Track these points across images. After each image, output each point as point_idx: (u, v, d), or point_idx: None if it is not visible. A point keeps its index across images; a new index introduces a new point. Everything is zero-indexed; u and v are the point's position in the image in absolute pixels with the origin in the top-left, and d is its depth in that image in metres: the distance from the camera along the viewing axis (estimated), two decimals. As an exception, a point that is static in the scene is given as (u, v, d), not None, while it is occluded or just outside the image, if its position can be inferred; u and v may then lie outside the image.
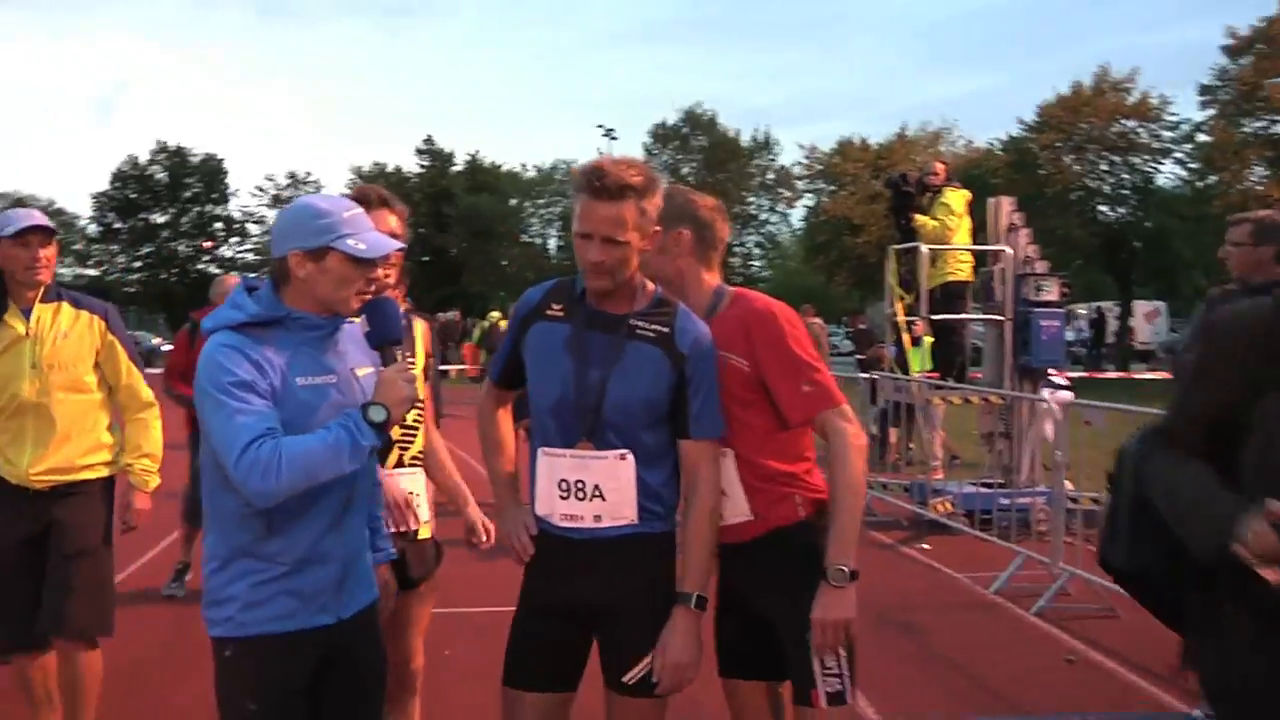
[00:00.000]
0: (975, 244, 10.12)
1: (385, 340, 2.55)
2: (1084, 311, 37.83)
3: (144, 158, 58.61)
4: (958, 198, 9.86)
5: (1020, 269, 9.32)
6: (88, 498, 3.92)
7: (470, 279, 53.73)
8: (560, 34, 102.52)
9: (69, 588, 3.80)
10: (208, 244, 58.54)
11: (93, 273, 59.20)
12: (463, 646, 5.48)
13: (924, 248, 9.47)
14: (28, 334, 3.81)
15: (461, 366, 28.51)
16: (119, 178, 58.22)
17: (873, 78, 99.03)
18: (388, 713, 3.01)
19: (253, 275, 2.88)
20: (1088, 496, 7.68)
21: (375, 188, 3.28)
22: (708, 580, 2.71)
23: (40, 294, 3.85)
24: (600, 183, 2.57)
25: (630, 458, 2.65)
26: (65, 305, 3.92)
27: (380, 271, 2.58)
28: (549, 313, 2.76)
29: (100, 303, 4.07)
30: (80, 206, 60.62)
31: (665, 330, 2.70)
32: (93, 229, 59.43)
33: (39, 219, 3.80)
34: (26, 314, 3.82)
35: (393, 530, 3.09)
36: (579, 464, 2.67)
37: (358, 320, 2.62)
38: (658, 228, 2.69)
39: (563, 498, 2.68)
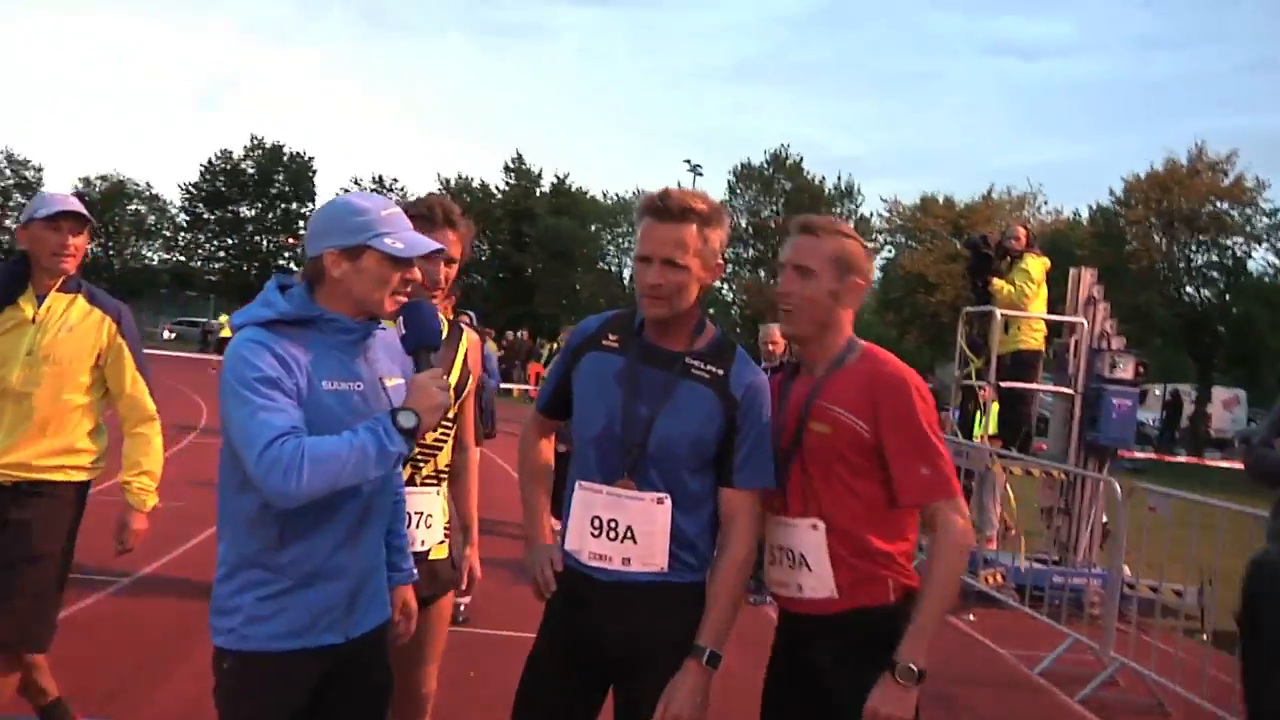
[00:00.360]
0: (1051, 314, 9.91)
1: (420, 344, 2.47)
2: (1159, 392, 36.93)
3: (239, 152, 60.17)
4: (1037, 265, 9.67)
5: (1096, 343, 9.10)
6: (53, 500, 3.69)
7: (543, 300, 54.10)
8: (656, 65, 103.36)
9: (3, 594, 3.56)
10: (291, 240, 59.75)
11: (179, 259, 60.76)
12: (487, 669, 5.43)
13: (998, 312, 9.29)
14: (34, 320, 3.65)
15: (526, 386, 28.65)
16: (209, 170, 59.76)
17: (963, 137, 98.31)
18: None
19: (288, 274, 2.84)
20: (1145, 584, 7.44)
21: (443, 202, 3.20)
22: (726, 637, 2.61)
23: (60, 282, 3.71)
24: (663, 204, 2.54)
25: (668, 502, 2.58)
26: (80, 299, 3.76)
27: (418, 273, 2.51)
28: (604, 343, 2.70)
29: (116, 303, 3.89)
30: (175, 196, 62.16)
31: (720, 373, 2.63)
32: (182, 218, 61.02)
33: (74, 205, 3.66)
34: (41, 299, 3.67)
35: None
36: (614, 502, 2.60)
37: (393, 326, 2.57)
38: (720, 261, 2.64)
39: (594, 535, 2.61)
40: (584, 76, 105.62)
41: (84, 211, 3.67)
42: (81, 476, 3.79)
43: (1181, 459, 24.79)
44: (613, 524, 2.60)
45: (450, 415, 3.26)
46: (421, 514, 3.15)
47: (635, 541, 2.58)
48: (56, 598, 3.77)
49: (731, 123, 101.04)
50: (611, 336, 2.70)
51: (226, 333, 36.95)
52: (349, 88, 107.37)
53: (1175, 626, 6.69)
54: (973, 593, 8.49)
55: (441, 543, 3.26)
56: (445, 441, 3.25)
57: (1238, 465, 21.00)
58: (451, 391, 3.27)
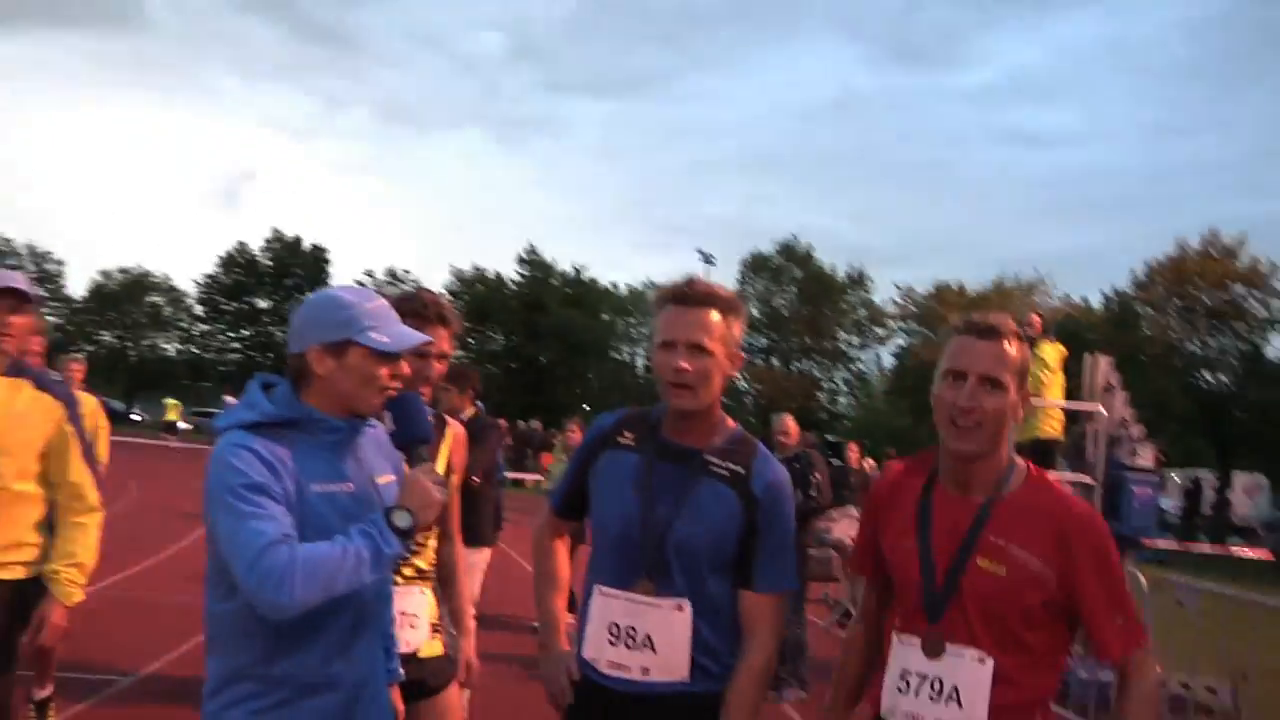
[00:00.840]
0: (1068, 400, 9.81)
1: (412, 439, 2.40)
2: (1178, 479, 36.49)
3: (257, 245, 61.03)
4: (1053, 352, 9.61)
5: (1115, 430, 8.99)
6: None
7: (556, 389, 54.19)
8: (670, 159, 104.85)
9: None
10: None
11: (193, 350, 61.20)
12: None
13: (1015, 400, 9.20)
14: None
15: (539, 477, 28.49)
16: (227, 262, 60.53)
17: (974, 226, 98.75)
18: None
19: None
20: (1177, 680, 7.19)
21: (432, 296, 3.17)
22: None
23: (2, 365, 3.43)
24: (689, 289, 2.50)
25: (688, 609, 2.47)
26: (27, 385, 3.49)
27: (407, 367, 2.42)
28: (620, 440, 2.62)
29: (64, 388, 3.65)
30: (194, 287, 63.09)
31: (741, 471, 2.53)
32: (199, 309, 61.63)
33: (16, 281, 3.39)
34: None
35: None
36: (633, 609, 2.49)
37: (381, 425, 2.49)
38: (740, 352, 2.57)
39: (611, 643, 2.51)
40: (598, 169, 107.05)
41: (23, 288, 3.39)
42: (21, 574, 3.51)
43: (1205, 548, 24.36)
44: (631, 631, 2.49)
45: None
46: (405, 614, 3.04)
47: (655, 650, 2.47)
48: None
49: (743, 214, 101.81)
50: (628, 434, 2.62)
51: (173, 415, 37.34)
52: (366, 181, 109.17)
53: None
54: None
55: (432, 640, 3.16)
56: (428, 539, 3.16)
57: (1265, 553, 20.62)
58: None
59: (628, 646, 2.48)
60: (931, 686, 2.35)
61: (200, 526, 12.52)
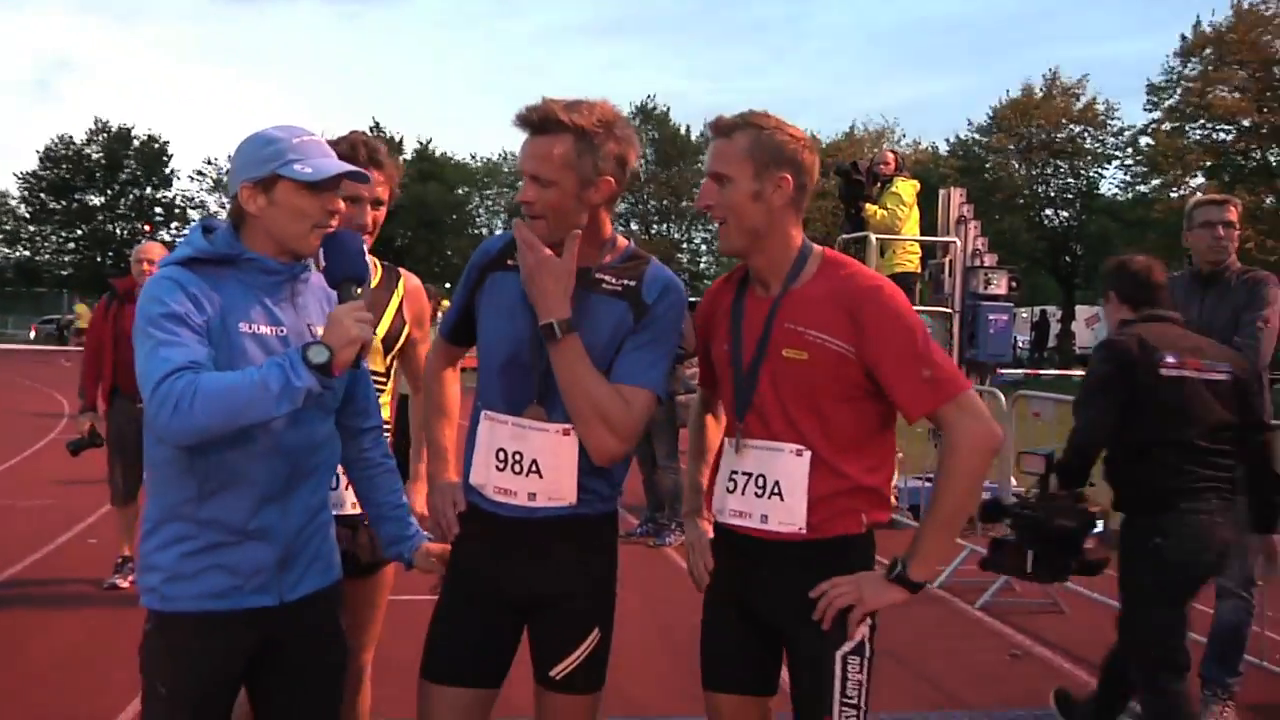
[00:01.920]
0: (923, 235, 10.01)
1: (344, 276, 2.28)
2: (1026, 315, 38.22)
3: (80, 137, 57.30)
4: (908, 188, 9.73)
5: (969, 262, 9.23)
6: None
7: (416, 268, 53.03)
8: (512, 25, 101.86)
9: None
10: (148, 227, 57.30)
11: (23, 254, 57.76)
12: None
13: (873, 238, 9.33)
14: None
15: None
16: (49, 157, 56.77)
17: (824, 81, 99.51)
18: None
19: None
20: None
21: (366, 139, 2.99)
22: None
23: None
24: (530, 115, 2.33)
25: (574, 434, 2.38)
26: None
27: (340, 203, 2.30)
28: (509, 263, 2.47)
29: None
30: (12, 185, 59.02)
31: (633, 283, 2.42)
32: (23, 209, 57.90)
33: None
34: None
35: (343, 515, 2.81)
36: (519, 434, 2.41)
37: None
38: (610, 178, 2.37)
39: (499, 469, 2.43)
40: (440, 40, 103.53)
41: None
42: None
43: (1054, 371, 25.69)
44: (517, 456, 2.41)
45: (383, 367, 3.06)
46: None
47: (541, 475, 2.40)
48: None
49: (596, 79, 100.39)
50: (515, 258, 2.47)
51: (83, 323, 35.26)
52: (198, 66, 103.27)
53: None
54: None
55: None
56: (379, 397, 2.97)
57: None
58: (380, 340, 3.02)
59: (514, 472, 2.42)
60: (755, 483, 2.42)
61: (50, 431, 12.07)
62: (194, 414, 2.03)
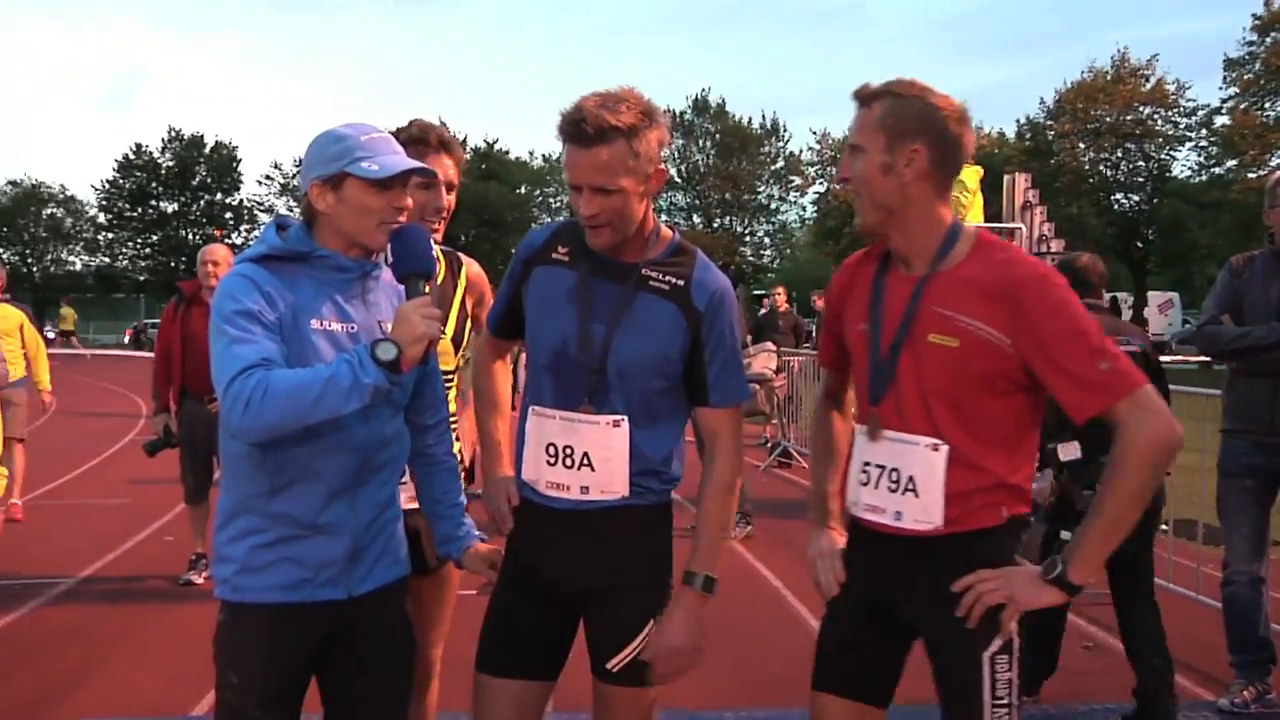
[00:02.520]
0: (989, 222, 9.86)
1: (409, 271, 2.28)
2: (1097, 301, 37.43)
3: (155, 145, 58.61)
4: (971, 174, 9.59)
5: (1035, 247, 9.08)
6: None
7: (480, 267, 53.40)
8: (570, 23, 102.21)
9: None
10: (219, 232, 58.42)
11: (103, 260, 59.26)
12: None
13: (937, 226, 9.22)
14: None
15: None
16: (125, 166, 58.12)
17: (888, 70, 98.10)
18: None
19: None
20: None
21: (434, 126, 2.99)
22: (718, 561, 2.44)
23: None
24: (579, 127, 2.27)
25: (625, 425, 2.38)
26: None
27: (409, 199, 2.32)
28: (554, 256, 2.47)
29: None
30: (91, 195, 60.59)
31: (680, 283, 2.41)
32: (102, 218, 59.38)
33: None
34: None
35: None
36: (568, 428, 2.41)
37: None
38: (661, 167, 2.36)
39: (550, 463, 2.43)
40: (499, 38, 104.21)
41: None
42: None
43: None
44: (568, 451, 2.41)
45: (453, 365, 3.04)
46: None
47: (593, 468, 2.40)
48: None
49: (653, 73, 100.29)
50: (561, 249, 2.47)
51: (67, 325, 34.46)
52: (264, 70, 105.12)
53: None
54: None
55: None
56: (452, 385, 2.99)
57: (1177, 360, 21.21)
58: (449, 339, 2.97)
59: (565, 466, 2.42)
60: (889, 477, 2.29)
61: (128, 433, 12.34)
62: (264, 412, 2.07)
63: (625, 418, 2.39)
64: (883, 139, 2.23)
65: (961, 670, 2.24)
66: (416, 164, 2.30)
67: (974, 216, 9.63)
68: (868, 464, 2.34)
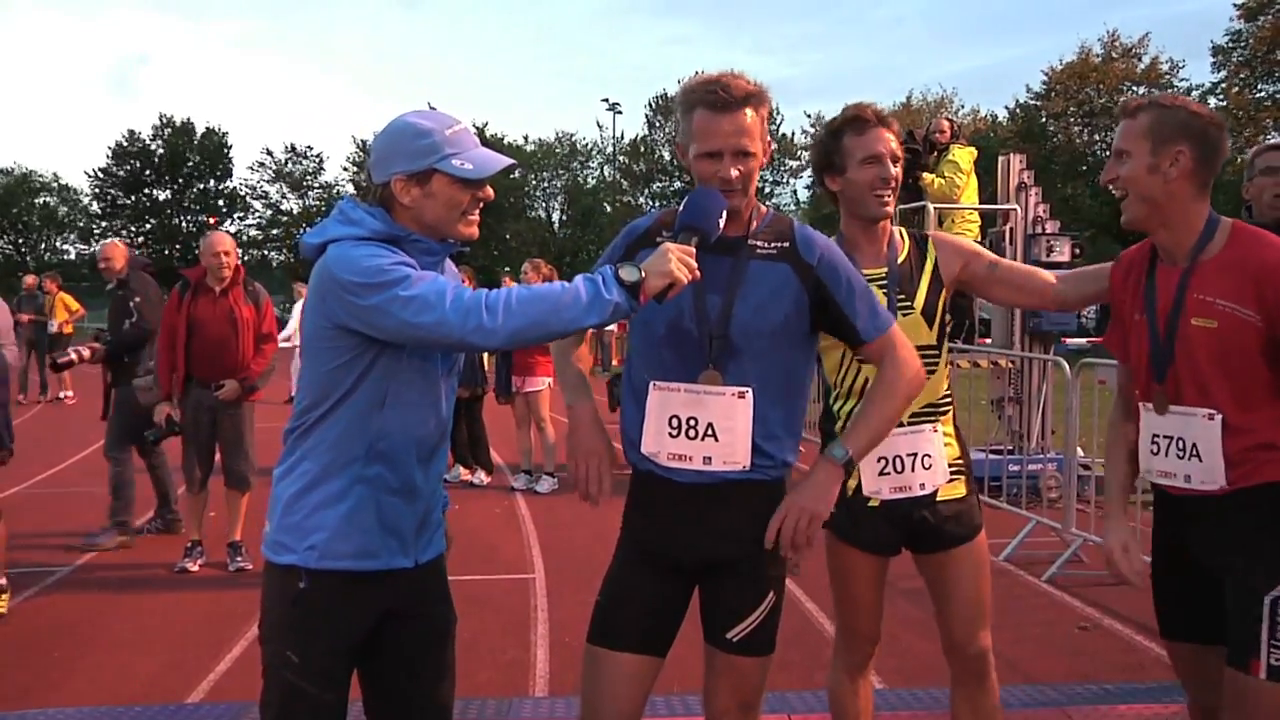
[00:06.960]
0: (984, 204, 9.85)
1: (688, 223, 2.34)
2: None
3: (147, 133, 58.31)
4: (965, 155, 9.58)
5: (1030, 229, 9.07)
6: None
7: (473, 252, 53.31)
8: (565, 6, 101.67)
9: None
10: (212, 220, 58.23)
11: (96, 249, 59.02)
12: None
13: (931, 207, 9.20)
14: None
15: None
16: (118, 153, 57.84)
17: (881, 54, 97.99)
18: None
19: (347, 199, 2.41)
20: (1100, 462, 7.45)
21: (871, 106, 3.01)
22: (864, 449, 2.52)
23: None
24: (725, 94, 2.40)
25: (749, 396, 2.45)
26: None
27: (491, 192, 2.39)
28: (659, 241, 2.46)
29: None
30: (84, 183, 60.29)
31: (786, 245, 2.51)
32: (95, 206, 59.15)
33: None
34: None
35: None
36: (693, 399, 2.47)
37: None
38: (769, 138, 2.52)
39: (672, 435, 2.48)
40: (491, 23, 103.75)
41: None
42: None
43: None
44: (692, 422, 2.47)
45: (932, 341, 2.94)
46: (915, 455, 2.90)
47: (716, 439, 2.46)
48: None
49: (655, 57, 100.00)
50: (666, 233, 2.52)
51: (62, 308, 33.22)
52: (256, 56, 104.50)
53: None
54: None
55: (952, 481, 2.96)
56: (941, 380, 2.97)
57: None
58: None
59: (689, 437, 2.47)
60: (1176, 445, 2.61)
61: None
62: (512, 314, 2.10)
63: (750, 389, 2.45)
64: (1149, 144, 2.55)
65: (1244, 613, 2.49)
66: (509, 161, 2.38)
67: (968, 198, 9.62)
68: (1156, 435, 2.66)
